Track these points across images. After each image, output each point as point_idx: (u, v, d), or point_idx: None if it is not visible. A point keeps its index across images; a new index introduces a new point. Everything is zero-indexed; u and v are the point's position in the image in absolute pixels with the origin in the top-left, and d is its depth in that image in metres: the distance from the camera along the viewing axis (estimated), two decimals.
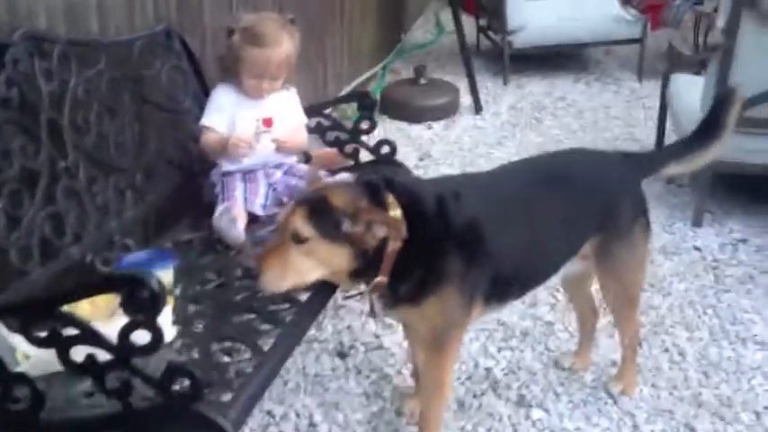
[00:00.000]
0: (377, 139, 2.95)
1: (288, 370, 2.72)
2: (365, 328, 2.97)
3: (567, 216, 2.24)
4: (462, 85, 5.48)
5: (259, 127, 2.62)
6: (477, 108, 5.27)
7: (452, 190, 2.08)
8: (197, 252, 2.39)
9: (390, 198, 1.92)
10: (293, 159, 2.73)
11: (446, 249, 2.02)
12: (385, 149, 2.84)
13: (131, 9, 2.67)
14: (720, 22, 3.69)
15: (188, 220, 2.60)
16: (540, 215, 2.19)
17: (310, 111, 2.86)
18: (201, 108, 2.78)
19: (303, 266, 1.81)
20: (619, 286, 2.43)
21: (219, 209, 2.47)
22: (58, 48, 2.25)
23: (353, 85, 5.32)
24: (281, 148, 2.63)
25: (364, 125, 2.86)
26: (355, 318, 3.03)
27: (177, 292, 2.10)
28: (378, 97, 5.33)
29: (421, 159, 4.61)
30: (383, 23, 5.92)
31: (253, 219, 2.57)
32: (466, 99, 5.38)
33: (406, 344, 2.80)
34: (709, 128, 2.43)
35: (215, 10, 3.25)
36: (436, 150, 4.74)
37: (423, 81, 5.22)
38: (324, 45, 4.74)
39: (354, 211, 1.82)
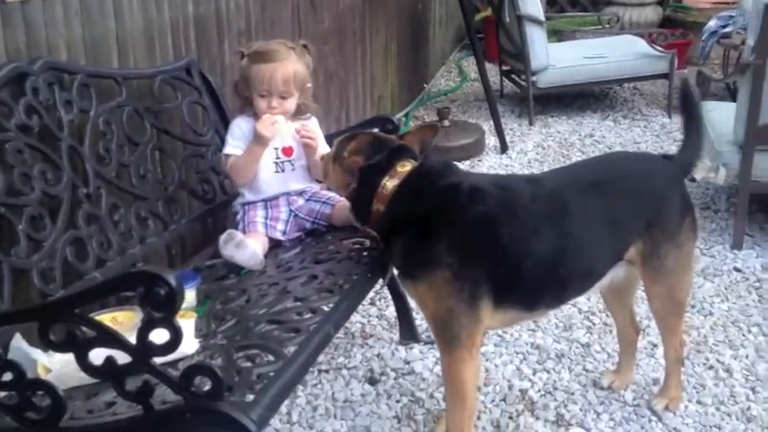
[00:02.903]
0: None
1: (316, 396, 2.66)
2: (395, 355, 2.90)
3: (610, 218, 2.19)
4: (487, 127, 5.49)
5: (279, 156, 2.61)
6: (503, 147, 5.25)
7: (475, 183, 2.15)
8: (220, 274, 2.37)
9: (405, 166, 2.19)
10: (316, 186, 2.71)
11: (438, 232, 2.07)
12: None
13: (151, 43, 2.72)
14: (750, 40, 3.65)
15: (211, 248, 2.59)
16: (578, 218, 2.14)
17: (331, 139, 2.85)
18: (222, 140, 2.81)
19: (332, 175, 2.36)
20: (666, 290, 2.35)
21: (223, 236, 2.42)
22: (78, 79, 2.29)
23: (376, 131, 5.33)
24: (306, 145, 2.61)
25: None
26: (385, 345, 2.97)
27: (201, 310, 2.07)
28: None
29: None
30: (406, 73, 5.98)
31: (275, 244, 2.55)
32: (491, 140, 5.37)
33: (437, 368, 2.74)
34: (691, 119, 2.45)
35: (234, 44, 3.30)
36: None
37: (446, 123, 5.22)
38: (347, 93, 4.78)
39: (345, 152, 2.28)
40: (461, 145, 5.10)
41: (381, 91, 5.44)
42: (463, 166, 5.01)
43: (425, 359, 2.85)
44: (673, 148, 5.21)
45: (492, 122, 5.34)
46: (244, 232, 2.54)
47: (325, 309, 1.94)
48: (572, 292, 2.28)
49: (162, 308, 1.46)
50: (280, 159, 2.62)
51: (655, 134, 5.53)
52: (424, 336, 2.98)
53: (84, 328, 1.52)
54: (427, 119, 5.90)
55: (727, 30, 5.73)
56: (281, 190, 2.62)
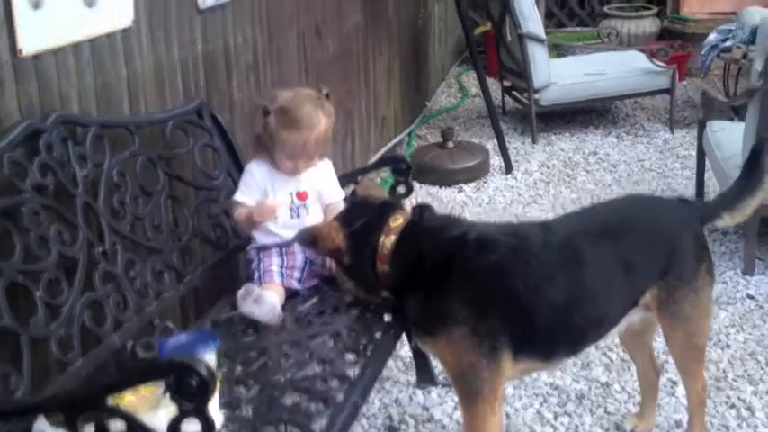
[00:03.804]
0: (413, 204, 2.87)
1: None
2: (413, 400, 2.86)
3: (625, 264, 2.16)
4: (490, 146, 5.45)
5: (294, 201, 2.56)
6: (508, 168, 5.21)
7: (482, 232, 2.12)
8: (238, 331, 2.31)
9: (397, 220, 2.16)
10: None
11: (451, 286, 2.04)
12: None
13: (162, 85, 2.66)
14: (758, 64, 3.62)
15: (227, 297, 2.53)
16: (592, 264, 2.11)
17: (344, 179, 2.81)
18: (235, 182, 2.75)
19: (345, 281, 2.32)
20: (685, 336, 2.32)
21: (240, 292, 2.37)
22: (91, 131, 2.23)
23: (381, 153, 5.30)
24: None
25: (400, 190, 2.79)
26: (402, 389, 2.92)
27: (221, 374, 2.02)
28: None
29: None
30: (408, 91, 5.93)
31: (292, 293, 2.50)
32: (495, 160, 5.33)
33: (457, 414, 2.70)
34: (751, 174, 2.39)
35: (243, 84, 3.25)
36: (469, 213, 4.67)
37: (451, 144, 5.18)
38: (352, 119, 4.73)
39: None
40: (466, 167, 5.06)
41: (385, 112, 5.39)
42: (468, 187, 5.00)
43: (444, 404, 2.81)
44: (677, 165, 5.22)
45: (495, 141, 5.31)
46: (259, 282, 2.49)
47: (351, 375, 1.88)
48: (588, 339, 2.26)
49: (193, 398, 1.41)
50: (295, 204, 2.56)
51: (658, 150, 5.50)
52: (441, 378, 2.93)
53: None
54: (430, 138, 5.85)
55: (727, 44, 5.72)
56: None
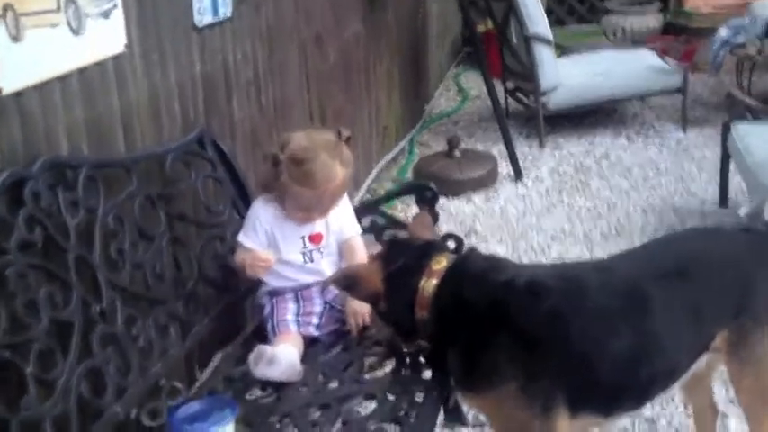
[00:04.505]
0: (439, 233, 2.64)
1: None
2: None
3: (693, 309, 1.93)
4: (496, 151, 5.23)
5: (306, 245, 2.32)
6: (518, 175, 4.98)
7: (533, 277, 1.90)
8: (257, 390, 2.08)
9: (440, 262, 1.92)
10: None
11: (499, 338, 1.84)
12: (450, 245, 2.52)
13: (157, 115, 2.42)
14: None
15: (237, 349, 2.30)
16: (658, 310, 1.88)
17: (361, 210, 2.57)
18: (241, 215, 2.52)
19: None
20: (755, 382, 2.09)
21: (252, 355, 2.12)
22: (82, 173, 1.98)
23: (383, 162, 5.09)
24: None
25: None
26: None
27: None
28: (410, 173, 5.10)
29: (466, 236, 4.29)
30: (407, 96, 5.70)
31: (310, 342, 2.26)
32: (503, 167, 5.10)
33: None
34: None
35: (244, 102, 3.01)
36: (481, 225, 4.44)
37: (457, 153, 4.95)
38: (353, 129, 4.48)
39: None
40: (474, 178, 4.83)
41: (386, 121, 5.16)
42: (478, 198, 4.76)
43: None
44: (693, 168, 5.00)
45: (502, 146, 5.09)
46: (274, 333, 2.25)
47: None
48: (654, 392, 2.03)
49: None
50: (307, 248, 2.32)
51: (672, 152, 5.29)
52: (470, 416, 2.70)
53: None
54: (432, 144, 5.62)
55: (739, 40, 5.51)
56: (313, 279, 2.33)
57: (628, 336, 1.86)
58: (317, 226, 2.31)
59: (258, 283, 2.39)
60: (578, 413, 1.87)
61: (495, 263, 1.97)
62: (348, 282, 1.99)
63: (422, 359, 2.03)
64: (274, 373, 2.06)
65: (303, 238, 2.30)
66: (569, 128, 5.78)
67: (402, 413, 1.80)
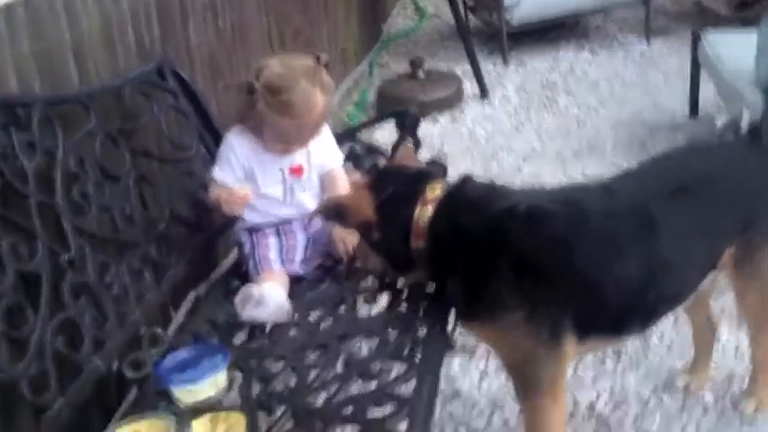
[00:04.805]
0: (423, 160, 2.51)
1: None
2: None
3: (702, 225, 1.86)
4: (460, 71, 5.07)
5: (286, 178, 2.18)
6: (484, 94, 4.85)
7: (535, 202, 1.81)
8: (247, 333, 1.96)
9: (435, 190, 1.82)
10: None
11: (501, 266, 1.75)
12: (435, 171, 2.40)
13: (111, 41, 2.24)
14: None
15: (217, 289, 2.18)
16: (665, 232, 1.81)
17: (337, 138, 2.43)
18: (209, 149, 2.38)
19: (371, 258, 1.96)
20: (760, 297, 2.06)
21: (238, 297, 2.01)
22: (36, 112, 1.81)
23: (345, 85, 4.91)
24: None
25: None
26: None
27: (237, 399, 1.68)
28: (371, 96, 4.94)
29: None
30: (365, 18, 5.49)
31: (296, 279, 2.15)
32: (468, 86, 4.95)
33: (485, 384, 2.45)
34: None
35: (200, 27, 2.82)
36: (449, 147, 4.32)
37: (421, 74, 4.79)
38: (314, 51, 4.30)
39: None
40: (440, 98, 4.68)
41: (345, 43, 4.96)
42: (444, 119, 4.63)
43: (469, 374, 2.51)
44: (660, 79, 4.91)
45: (465, 65, 4.93)
46: (256, 271, 2.13)
47: (405, 395, 1.55)
48: (662, 313, 1.98)
49: None
50: (287, 181, 2.18)
51: (636, 64, 5.19)
52: (459, 340, 2.61)
53: None
54: (393, 66, 5.43)
55: None
56: (294, 213, 2.21)
57: (635, 258, 1.79)
58: (298, 157, 2.17)
59: (234, 219, 2.26)
60: (586, 338, 1.81)
61: (493, 189, 1.86)
62: (337, 211, 1.87)
63: (418, 291, 1.93)
64: (263, 314, 1.95)
65: (282, 170, 2.16)
66: (532, 43, 5.63)
67: (406, 351, 1.70)
